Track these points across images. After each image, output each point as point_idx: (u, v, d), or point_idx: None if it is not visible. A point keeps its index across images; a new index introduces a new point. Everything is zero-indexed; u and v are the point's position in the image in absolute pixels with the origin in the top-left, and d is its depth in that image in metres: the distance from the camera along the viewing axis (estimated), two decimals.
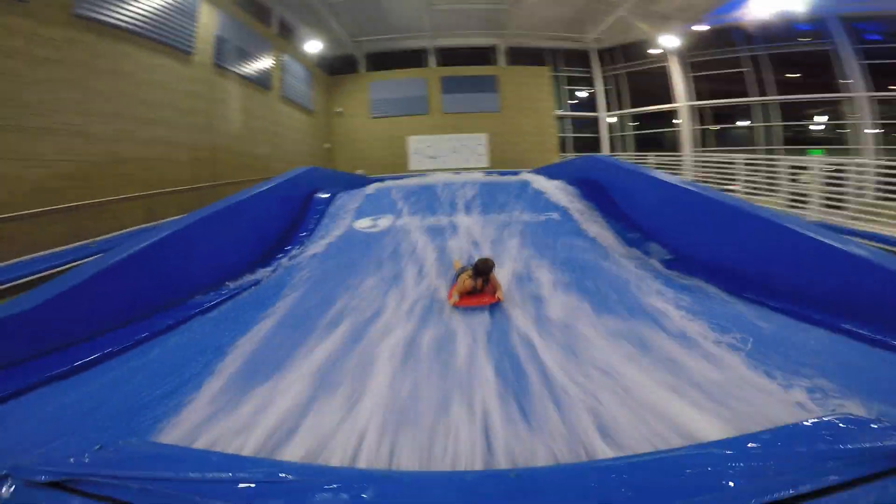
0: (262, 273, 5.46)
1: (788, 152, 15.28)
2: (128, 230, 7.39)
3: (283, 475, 1.43)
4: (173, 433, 2.19)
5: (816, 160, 9.43)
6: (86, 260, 4.70)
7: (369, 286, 4.56)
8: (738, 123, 17.80)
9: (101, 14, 7.85)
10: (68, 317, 3.52)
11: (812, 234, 3.81)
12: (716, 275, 4.43)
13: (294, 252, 6.14)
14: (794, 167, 12.02)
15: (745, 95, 17.09)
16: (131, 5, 8.53)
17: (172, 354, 3.27)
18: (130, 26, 8.50)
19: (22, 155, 6.52)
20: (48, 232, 6.52)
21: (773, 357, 2.75)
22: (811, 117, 16.66)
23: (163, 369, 2.97)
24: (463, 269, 4.26)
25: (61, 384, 2.91)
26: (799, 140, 16.38)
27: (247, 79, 12.75)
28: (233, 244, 5.62)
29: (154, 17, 9.11)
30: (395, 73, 19.54)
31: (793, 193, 8.11)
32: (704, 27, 17.00)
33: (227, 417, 2.29)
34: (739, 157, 8.98)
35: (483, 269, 3.93)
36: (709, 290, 4.24)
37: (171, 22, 9.59)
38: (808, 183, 11.34)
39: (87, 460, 1.52)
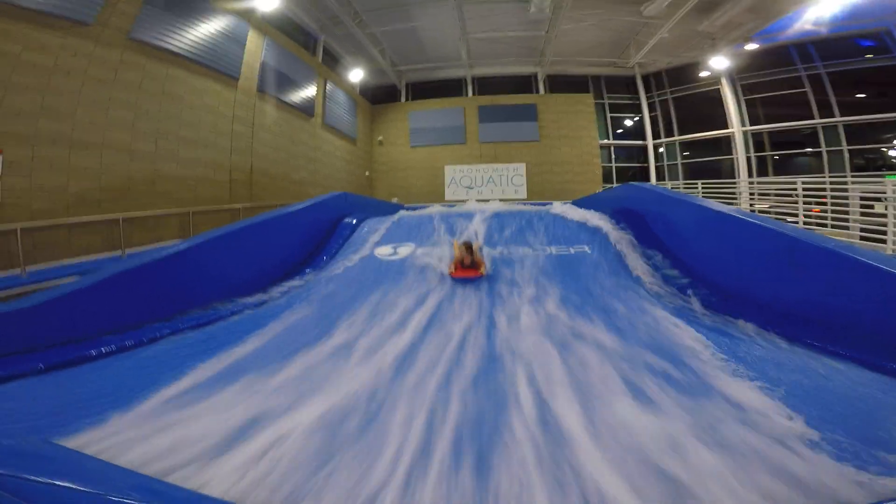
0: (273, 293, 5.22)
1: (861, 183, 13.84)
2: (160, 244, 7.47)
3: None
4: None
5: (891, 184, 8.38)
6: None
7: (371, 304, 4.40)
8: (800, 150, 16.35)
9: (155, 39, 8.33)
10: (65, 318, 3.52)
11: None
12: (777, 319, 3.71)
13: (309, 275, 5.86)
14: (865, 197, 10.83)
15: (806, 119, 15.76)
16: (184, 31, 9.04)
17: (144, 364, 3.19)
18: (181, 51, 8.97)
19: (69, 168, 6.84)
20: (84, 241, 6.65)
21: None
22: (886, 141, 15.12)
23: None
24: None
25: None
26: (872, 167, 14.85)
27: (289, 105, 13.22)
28: (248, 263, 5.48)
29: (204, 43, 9.62)
30: (433, 102, 19.83)
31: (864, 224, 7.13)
32: (755, 46, 16.15)
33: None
34: (799, 183, 8.06)
35: (468, 245, 5.39)
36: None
37: (220, 48, 10.10)
38: (884, 214, 10.11)
39: None
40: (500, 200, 16.06)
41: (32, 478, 1.34)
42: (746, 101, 17.06)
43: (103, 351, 3.35)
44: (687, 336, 3.44)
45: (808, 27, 14.67)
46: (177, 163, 8.90)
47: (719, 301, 4.28)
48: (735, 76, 17.08)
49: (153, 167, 8.32)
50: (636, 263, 5.38)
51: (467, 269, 5.25)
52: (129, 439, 2.04)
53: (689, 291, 4.52)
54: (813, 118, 15.49)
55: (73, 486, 1.32)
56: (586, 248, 5.87)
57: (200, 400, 2.50)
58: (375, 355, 3.12)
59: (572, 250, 5.86)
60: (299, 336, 3.60)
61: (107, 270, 4.06)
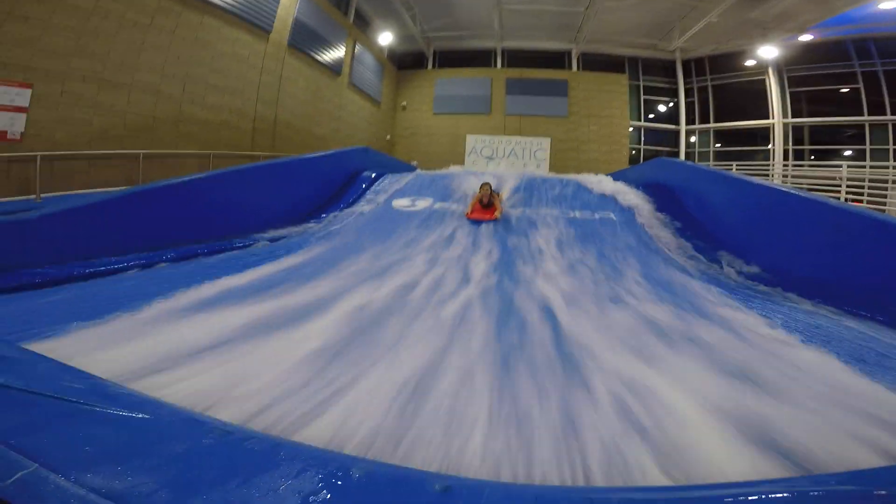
0: (290, 230, 5.31)
1: None
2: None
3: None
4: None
5: None
6: None
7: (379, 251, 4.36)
8: (841, 146, 15.57)
9: None
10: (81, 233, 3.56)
11: None
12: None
13: (328, 219, 5.94)
14: None
15: (856, 116, 14.91)
16: None
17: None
18: (217, 1, 8.94)
19: (95, 104, 7.00)
20: (104, 175, 6.85)
21: None
22: None
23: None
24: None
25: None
26: None
27: (318, 61, 13.20)
28: (268, 202, 5.54)
29: None
30: (461, 70, 19.46)
31: None
32: (810, 38, 15.25)
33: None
34: (845, 167, 7.67)
35: (489, 185, 5.79)
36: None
37: (254, 1, 10.03)
38: None
39: None
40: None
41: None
42: (791, 93, 16.28)
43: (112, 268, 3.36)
44: (707, 293, 3.30)
45: (872, 23, 13.78)
46: (202, 107, 9.02)
47: (755, 275, 4.02)
48: (783, 67, 16.22)
49: (178, 109, 8.46)
50: (664, 234, 5.20)
51: (483, 211, 5.53)
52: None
53: (722, 263, 4.30)
54: (863, 115, 14.66)
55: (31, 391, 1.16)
56: (612, 215, 5.70)
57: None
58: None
59: (597, 216, 5.70)
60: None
61: (115, 192, 4.11)
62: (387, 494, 0.93)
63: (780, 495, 0.92)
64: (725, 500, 0.91)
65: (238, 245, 4.47)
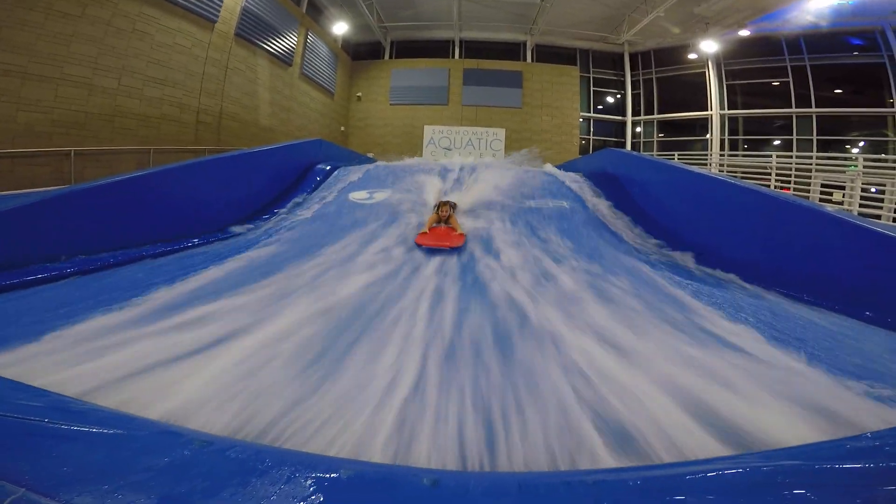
0: (240, 229, 5.13)
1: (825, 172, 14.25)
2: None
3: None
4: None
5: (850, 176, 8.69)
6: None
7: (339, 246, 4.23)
8: (771, 136, 16.76)
9: None
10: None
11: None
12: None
13: (282, 214, 5.79)
14: (825, 186, 11.23)
15: (785, 108, 16.05)
16: None
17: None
18: None
19: (19, 98, 6.50)
20: (30, 172, 6.43)
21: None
22: (853, 134, 15.55)
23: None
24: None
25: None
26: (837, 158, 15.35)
27: (267, 51, 12.68)
28: (216, 198, 5.28)
29: None
30: (418, 61, 19.28)
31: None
32: (747, 33, 16.14)
33: None
34: (774, 157, 8.27)
35: (445, 203, 4.87)
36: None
37: None
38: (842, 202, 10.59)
39: None
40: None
41: None
42: (728, 86, 17.31)
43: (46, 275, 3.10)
44: (658, 276, 3.55)
45: (806, 20, 14.74)
46: (140, 100, 8.50)
47: (695, 256, 4.28)
48: (721, 61, 17.17)
49: (113, 103, 7.93)
50: (613, 221, 5.46)
51: (439, 236, 4.30)
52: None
53: (665, 247, 4.57)
54: (791, 107, 15.75)
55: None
56: (565, 204, 5.83)
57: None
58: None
59: (551, 204, 5.81)
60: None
61: (38, 194, 3.76)
62: (379, 492, 0.94)
63: (733, 472, 1.01)
64: (699, 476, 0.98)
65: (183, 245, 4.28)
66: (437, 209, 4.80)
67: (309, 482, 0.92)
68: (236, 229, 5.07)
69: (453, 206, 5.01)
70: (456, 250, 4.08)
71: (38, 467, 0.90)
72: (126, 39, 8.07)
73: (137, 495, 0.85)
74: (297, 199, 6.18)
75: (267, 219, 5.61)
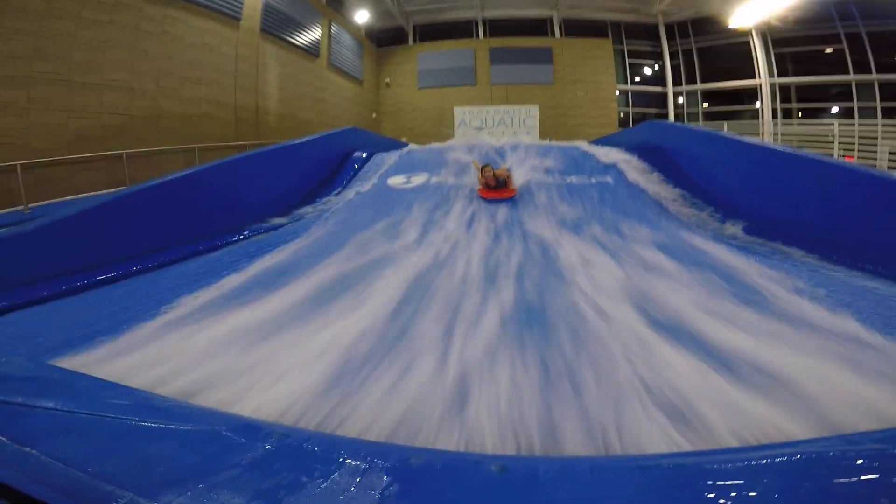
0: (285, 219, 5.16)
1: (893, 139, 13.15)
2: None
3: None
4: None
5: None
6: None
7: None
8: (829, 103, 15.55)
9: None
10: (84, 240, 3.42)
11: None
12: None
13: (322, 204, 5.82)
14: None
15: (842, 75, 14.87)
16: None
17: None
18: None
19: (66, 107, 6.78)
20: (87, 177, 6.70)
21: None
22: None
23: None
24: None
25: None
26: None
27: (294, 45, 12.77)
28: (262, 190, 5.35)
29: None
30: (442, 43, 18.97)
31: None
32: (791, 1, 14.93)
33: None
34: (836, 125, 7.65)
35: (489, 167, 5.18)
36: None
37: None
38: None
39: None
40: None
41: (25, 402, 1.16)
42: (777, 54, 16.29)
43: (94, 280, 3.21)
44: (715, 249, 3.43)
45: None
46: (179, 100, 8.75)
47: (752, 227, 4.09)
48: (767, 29, 16.06)
49: (155, 105, 8.19)
50: (663, 194, 5.21)
51: (496, 190, 5.09)
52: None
53: (722, 220, 4.36)
54: (848, 74, 14.74)
55: (67, 409, 1.15)
56: (608, 179, 5.62)
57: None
58: None
59: (593, 180, 5.63)
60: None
61: (86, 202, 3.82)
62: (449, 480, 0.95)
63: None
64: (776, 461, 0.93)
65: (236, 238, 4.38)
66: (482, 171, 5.15)
67: (383, 472, 0.94)
68: (282, 220, 5.11)
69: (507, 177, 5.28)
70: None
71: (138, 469, 0.91)
72: (157, 42, 8.28)
73: (231, 494, 0.85)
74: (350, 183, 6.35)
75: (320, 201, 5.74)
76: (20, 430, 1.00)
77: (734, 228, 4.12)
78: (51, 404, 1.15)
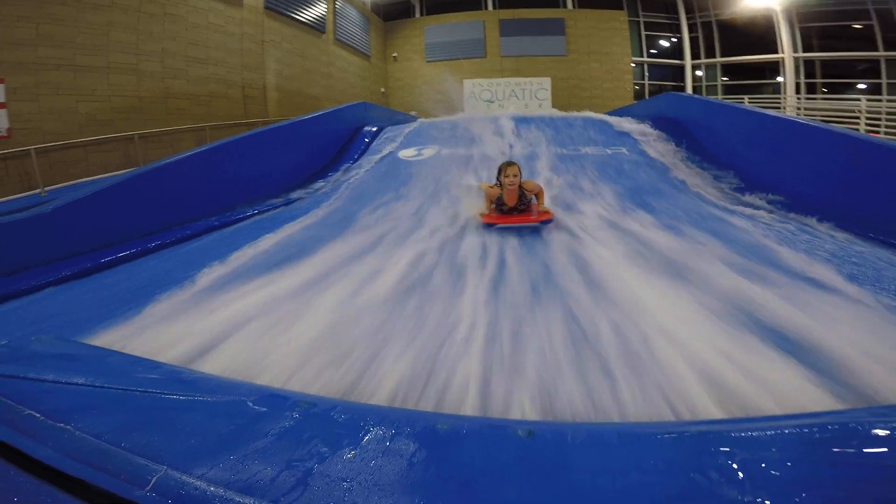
0: (299, 193, 5.23)
1: None
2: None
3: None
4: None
5: None
6: None
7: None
8: (856, 80, 14.94)
9: None
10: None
11: None
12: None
13: (335, 177, 5.81)
14: None
15: (871, 51, 14.29)
16: None
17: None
18: None
19: (75, 90, 6.79)
20: (100, 159, 6.74)
21: None
22: None
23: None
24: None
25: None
26: None
27: (299, 21, 12.55)
28: (275, 166, 5.39)
29: None
30: (450, 16, 18.44)
31: None
32: None
33: None
34: (864, 101, 7.35)
35: (510, 166, 3.28)
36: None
37: None
38: None
39: None
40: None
41: (56, 379, 1.17)
42: (801, 28, 15.67)
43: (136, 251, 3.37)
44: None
45: None
46: (187, 80, 8.70)
47: (780, 203, 3.98)
48: (791, 2, 15.38)
49: (163, 85, 8.17)
50: (681, 167, 5.12)
51: (513, 215, 3.33)
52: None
53: (746, 194, 4.26)
54: (878, 51, 14.19)
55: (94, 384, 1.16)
56: (624, 150, 5.54)
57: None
58: None
59: (609, 151, 5.55)
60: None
61: (122, 175, 4.00)
62: (476, 446, 0.94)
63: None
64: (804, 430, 0.91)
65: (255, 212, 4.47)
66: (501, 173, 3.33)
67: (410, 438, 0.94)
68: (299, 193, 5.19)
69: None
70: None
71: (169, 442, 0.92)
72: (161, 23, 8.20)
73: (262, 465, 0.85)
74: (366, 152, 6.42)
75: (330, 177, 5.76)
76: (53, 407, 1.01)
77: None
78: (81, 380, 1.16)
